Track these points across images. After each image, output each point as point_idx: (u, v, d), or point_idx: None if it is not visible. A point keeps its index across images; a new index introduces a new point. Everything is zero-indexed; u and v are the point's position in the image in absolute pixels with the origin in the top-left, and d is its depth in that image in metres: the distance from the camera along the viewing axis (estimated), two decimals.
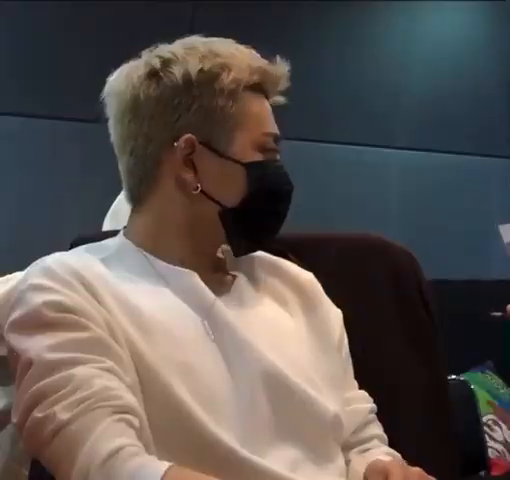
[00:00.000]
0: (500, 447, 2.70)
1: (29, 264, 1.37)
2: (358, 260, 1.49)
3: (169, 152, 1.23)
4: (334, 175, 4.39)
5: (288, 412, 1.19)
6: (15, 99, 3.74)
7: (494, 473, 2.59)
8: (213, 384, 1.15)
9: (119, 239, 1.28)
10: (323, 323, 1.31)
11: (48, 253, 1.25)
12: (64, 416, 1.03)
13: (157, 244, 1.24)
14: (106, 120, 1.30)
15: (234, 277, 1.30)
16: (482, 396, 2.77)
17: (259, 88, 1.25)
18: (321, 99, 4.21)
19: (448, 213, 4.62)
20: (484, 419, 2.70)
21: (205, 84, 1.21)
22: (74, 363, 1.07)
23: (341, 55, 4.44)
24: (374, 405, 1.35)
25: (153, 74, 1.24)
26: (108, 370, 1.08)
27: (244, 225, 1.24)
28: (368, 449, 1.32)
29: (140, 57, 1.29)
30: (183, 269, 1.22)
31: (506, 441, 2.72)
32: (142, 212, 1.27)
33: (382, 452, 1.30)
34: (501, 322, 1.65)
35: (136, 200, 1.28)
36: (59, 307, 1.11)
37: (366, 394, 1.36)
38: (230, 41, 1.27)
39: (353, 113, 4.42)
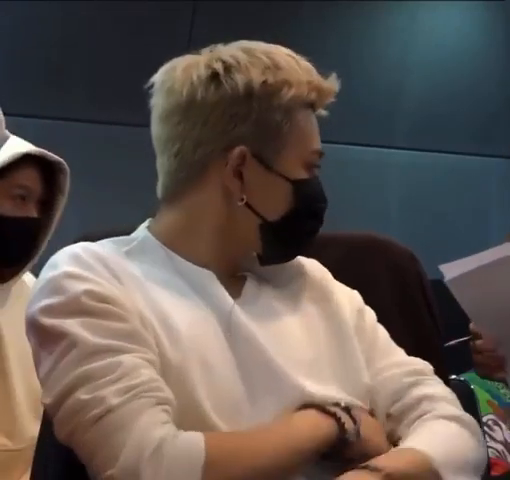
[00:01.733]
0: (500, 447, 2.70)
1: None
2: (360, 259, 1.49)
3: (218, 160, 1.21)
4: (334, 175, 4.38)
5: None
6: (15, 99, 3.75)
7: (494, 473, 2.59)
8: (228, 387, 1.15)
9: (143, 232, 1.27)
10: (336, 313, 1.29)
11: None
12: (114, 401, 1.04)
13: (184, 243, 1.23)
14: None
15: (244, 277, 1.28)
16: (482, 396, 2.77)
17: (311, 104, 1.25)
18: None
19: (448, 213, 4.62)
20: (484, 419, 2.70)
21: (265, 98, 1.20)
22: (120, 351, 1.07)
23: (341, 55, 4.44)
24: (418, 366, 1.29)
25: (213, 77, 1.20)
26: (150, 361, 1.09)
27: (282, 239, 1.24)
28: (420, 416, 1.23)
29: (198, 54, 1.26)
30: (203, 269, 1.22)
31: (506, 441, 2.72)
32: (174, 210, 1.26)
33: (436, 417, 1.22)
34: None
35: (170, 197, 1.26)
36: (99, 297, 1.11)
37: (405, 359, 1.31)
38: (289, 52, 1.25)
39: (353, 113, 4.42)
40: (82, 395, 1.05)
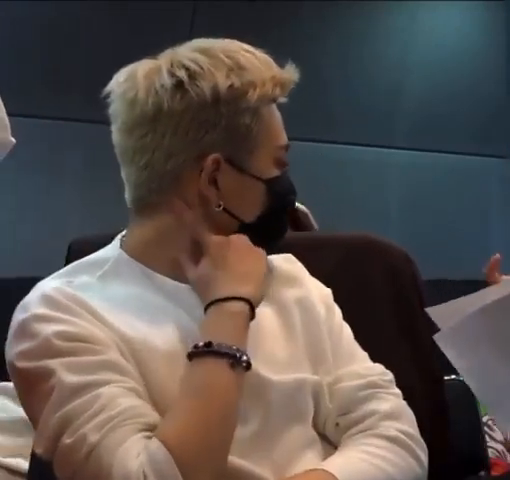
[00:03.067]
0: (500, 447, 2.70)
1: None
2: (356, 261, 1.49)
3: (191, 168, 1.19)
4: (334, 175, 4.39)
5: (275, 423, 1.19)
6: (14, 99, 3.75)
7: (494, 473, 2.59)
8: None
9: (115, 251, 1.25)
10: (307, 299, 1.29)
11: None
12: (94, 437, 1.04)
13: (160, 257, 1.22)
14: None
15: None
16: None
17: (274, 98, 1.23)
18: (321, 99, 4.22)
19: (447, 213, 4.63)
20: (484, 419, 2.70)
21: (233, 102, 1.18)
22: (97, 385, 1.07)
23: (341, 55, 4.45)
24: (374, 378, 1.28)
25: (178, 86, 1.17)
26: (130, 389, 1.09)
27: (260, 237, 1.23)
28: (361, 432, 1.24)
29: (154, 59, 1.22)
30: (182, 284, 1.21)
31: (506, 441, 2.72)
32: (148, 223, 1.23)
33: (372, 436, 1.22)
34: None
35: (142, 209, 1.24)
36: (68, 336, 1.11)
37: (363, 368, 1.29)
38: (246, 46, 1.23)
39: (353, 113, 4.42)
40: (67, 440, 1.06)
